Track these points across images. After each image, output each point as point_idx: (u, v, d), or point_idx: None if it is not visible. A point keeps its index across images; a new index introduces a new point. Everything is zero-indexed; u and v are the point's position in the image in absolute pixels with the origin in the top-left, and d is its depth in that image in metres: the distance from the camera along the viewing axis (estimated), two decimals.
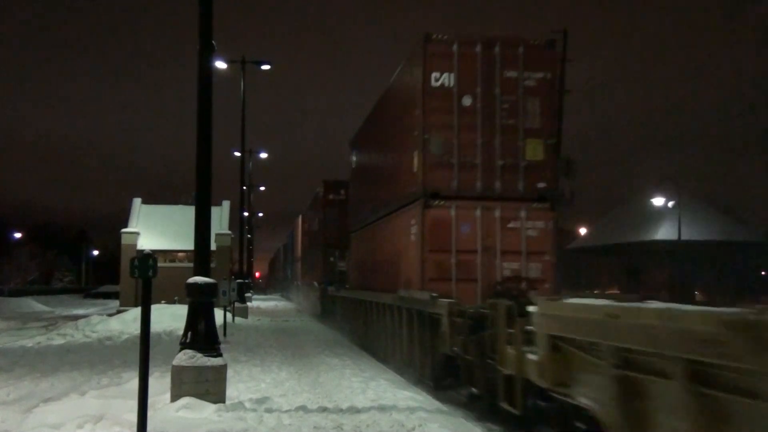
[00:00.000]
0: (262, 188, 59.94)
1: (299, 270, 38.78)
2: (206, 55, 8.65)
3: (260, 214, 74.35)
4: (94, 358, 13.36)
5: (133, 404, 6.23)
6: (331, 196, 25.40)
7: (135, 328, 17.40)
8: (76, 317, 24.77)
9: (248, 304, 30.07)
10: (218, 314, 10.80)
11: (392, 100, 13.96)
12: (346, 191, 23.37)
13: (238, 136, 31.70)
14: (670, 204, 31.55)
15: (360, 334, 17.33)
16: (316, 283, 27.10)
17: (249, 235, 49.23)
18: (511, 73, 11.19)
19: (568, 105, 12.06)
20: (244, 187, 35.39)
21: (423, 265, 11.04)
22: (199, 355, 7.84)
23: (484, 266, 10.96)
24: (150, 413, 6.32)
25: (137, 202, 35.95)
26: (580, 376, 5.53)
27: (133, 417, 6.08)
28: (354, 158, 19.86)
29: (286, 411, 7.74)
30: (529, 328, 6.57)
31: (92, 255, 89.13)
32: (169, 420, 6.93)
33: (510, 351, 7.01)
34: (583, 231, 48.37)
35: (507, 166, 11.17)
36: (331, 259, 24.76)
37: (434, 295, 9.94)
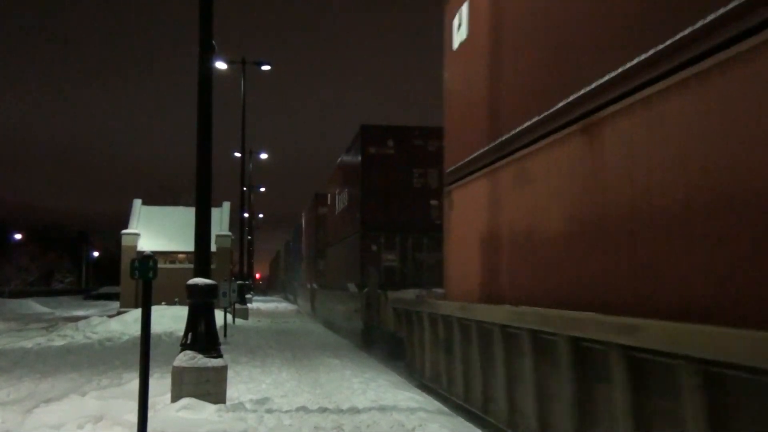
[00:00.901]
0: (263, 189, 60.25)
1: (311, 268, 30.44)
2: (206, 55, 8.65)
3: (260, 216, 74.63)
4: (95, 359, 13.35)
5: (134, 405, 6.24)
6: (373, 150, 16.80)
7: (135, 330, 17.39)
8: (77, 318, 24.76)
9: (249, 305, 30.10)
10: (218, 316, 10.81)
11: None
12: (398, 141, 16.64)
13: (238, 137, 31.79)
14: None
15: None
16: (353, 286, 17.50)
17: (249, 237, 49.29)
18: None
19: None
20: (245, 188, 35.42)
21: None
22: (200, 356, 7.85)
23: None
24: (150, 414, 6.32)
25: (137, 203, 35.97)
26: None
27: (134, 417, 6.09)
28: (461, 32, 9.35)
29: (287, 411, 7.74)
30: None
31: (92, 256, 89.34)
32: (169, 420, 6.94)
33: None
34: None
35: None
36: (374, 248, 16.52)
37: None
